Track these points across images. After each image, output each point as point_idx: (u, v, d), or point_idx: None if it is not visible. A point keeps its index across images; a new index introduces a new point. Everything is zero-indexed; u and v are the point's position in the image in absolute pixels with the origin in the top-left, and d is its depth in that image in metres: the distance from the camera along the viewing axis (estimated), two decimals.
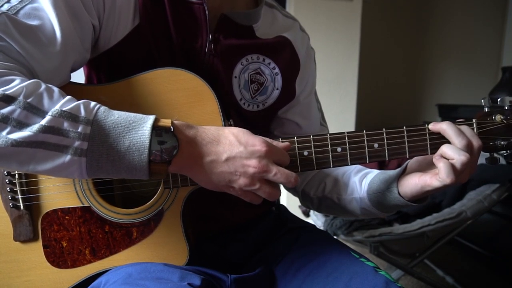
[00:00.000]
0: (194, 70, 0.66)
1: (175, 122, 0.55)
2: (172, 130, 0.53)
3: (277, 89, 0.80)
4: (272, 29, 0.79)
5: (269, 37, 0.78)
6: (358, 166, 0.83)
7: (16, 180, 0.65)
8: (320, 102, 0.93)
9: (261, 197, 0.60)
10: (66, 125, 0.49)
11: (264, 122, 0.85)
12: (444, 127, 0.63)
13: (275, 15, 0.82)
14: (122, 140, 0.51)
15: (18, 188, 0.65)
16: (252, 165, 0.55)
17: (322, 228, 1.56)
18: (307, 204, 0.90)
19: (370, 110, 2.87)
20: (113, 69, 0.70)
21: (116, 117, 0.52)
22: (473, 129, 0.65)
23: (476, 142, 0.63)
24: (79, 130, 0.50)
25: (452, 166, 0.61)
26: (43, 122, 0.49)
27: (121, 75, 0.66)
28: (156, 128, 0.52)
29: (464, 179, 0.63)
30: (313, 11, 2.30)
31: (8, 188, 0.65)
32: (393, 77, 3.08)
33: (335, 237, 1.40)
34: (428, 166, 0.67)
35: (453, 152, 0.61)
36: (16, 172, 0.65)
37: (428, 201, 0.71)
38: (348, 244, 0.80)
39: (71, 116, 0.50)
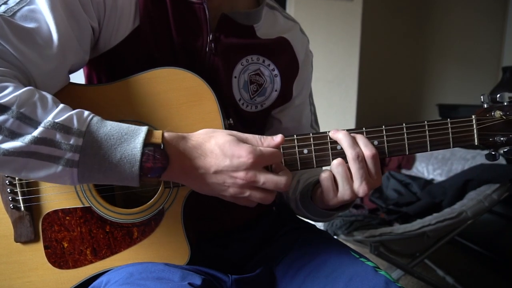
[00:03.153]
0: (194, 70, 0.66)
1: (166, 135, 0.55)
2: (162, 147, 0.54)
3: (276, 90, 0.80)
4: (273, 30, 0.80)
5: (270, 38, 0.78)
6: None
7: (17, 181, 0.65)
8: (321, 102, 0.93)
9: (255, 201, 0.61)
10: (58, 137, 0.50)
11: (262, 122, 0.85)
12: (340, 137, 0.63)
13: (276, 17, 0.82)
14: (114, 152, 0.52)
15: (18, 189, 0.65)
16: (240, 177, 0.56)
17: (322, 228, 1.55)
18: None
19: (370, 110, 2.88)
20: (113, 69, 0.70)
21: (108, 128, 0.53)
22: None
23: (368, 152, 0.62)
24: (71, 142, 0.50)
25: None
26: (35, 133, 0.49)
27: (121, 75, 0.66)
28: (147, 145, 0.53)
29: (362, 192, 0.62)
30: (313, 11, 2.30)
31: (8, 189, 0.65)
32: (393, 77, 3.08)
33: (335, 237, 1.41)
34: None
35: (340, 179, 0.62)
36: None
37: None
38: (348, 244, 0.80)
39: (64, 128, 0.50)
